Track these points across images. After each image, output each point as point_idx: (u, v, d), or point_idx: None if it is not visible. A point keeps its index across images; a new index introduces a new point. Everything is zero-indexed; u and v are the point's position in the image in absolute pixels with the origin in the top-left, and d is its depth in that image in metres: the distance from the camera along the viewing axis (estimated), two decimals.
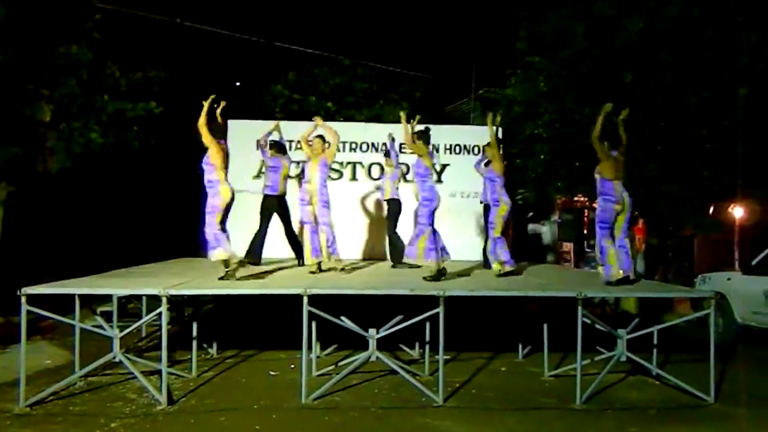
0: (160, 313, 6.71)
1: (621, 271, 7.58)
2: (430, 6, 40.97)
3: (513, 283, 8.20)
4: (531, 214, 18.57)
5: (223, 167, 7.53)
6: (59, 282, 7.29)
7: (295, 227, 10.08)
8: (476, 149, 11.75)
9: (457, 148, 11.73)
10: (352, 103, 18.14)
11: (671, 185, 12.57)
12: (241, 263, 8.15)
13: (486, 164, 9.51)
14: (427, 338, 7.78)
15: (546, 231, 20.80)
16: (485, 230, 9.39)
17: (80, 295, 7.26)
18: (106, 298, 9.35)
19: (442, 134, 11.93)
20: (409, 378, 7.20)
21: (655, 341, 7.90)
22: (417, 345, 8.66)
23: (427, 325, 7.56)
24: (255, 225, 9.68)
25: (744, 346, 9.87)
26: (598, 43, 12.87)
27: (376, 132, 12.16)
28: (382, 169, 11.39)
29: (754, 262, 10.30)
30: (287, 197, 9.99)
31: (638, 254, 15.78)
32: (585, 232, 18.41)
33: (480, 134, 12.33)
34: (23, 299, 6.43)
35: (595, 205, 13.96)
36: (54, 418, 6.23)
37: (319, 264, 8.68)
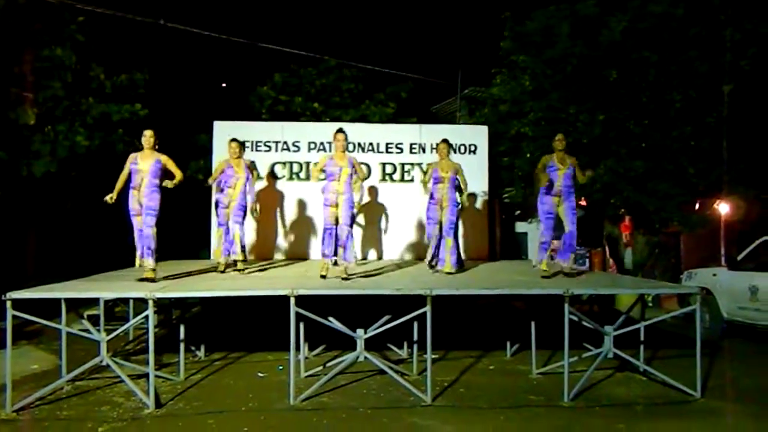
0: (147, 316, 6.68)
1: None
2: (415, 6, 41.11)
3: (500, 281, 8.23)
4: (518, 212, 18.63)
5: None
6: (45, 286, 7.26)
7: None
8: (462, 148, 11.78)
9: None
10: (338, 104, 18.11)
11: (657, 182, 12.66)
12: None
13: None
14: (415, 338, 7.80)
15: (533, 229, 20.87)
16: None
17: (66, 299, 7.22)
18: (93, 302, 9.32)
19: (428, 134, 11.98)
20: (398, 378, 7.21)
21: (641, 337, 7.95)
22: (405, 344, 8.67)
23: (415, 324, 7.58)
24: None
25: (730, 342, 9.94)
26: (583, 41, 12.95)
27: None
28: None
29: (739, 258, 10.36)
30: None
31: (625, 250, 15.88)
32: None
33: (467, 133, 12.44)
34: (8, 304, 6.39)
35: (582, 202, 14.10)
36: (41, 423, 6.19)
37: (234, 263, 8.86)
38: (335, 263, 8.08)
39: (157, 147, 7.79)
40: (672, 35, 12.40)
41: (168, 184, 7.70)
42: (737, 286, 9.92)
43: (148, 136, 7.74)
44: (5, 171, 11.65)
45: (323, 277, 8.00)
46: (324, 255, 8.10)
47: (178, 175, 7.80)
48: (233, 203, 8.66)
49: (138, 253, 7.76)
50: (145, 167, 7.62)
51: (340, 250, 7.98)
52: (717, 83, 12.33)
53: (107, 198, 7.61)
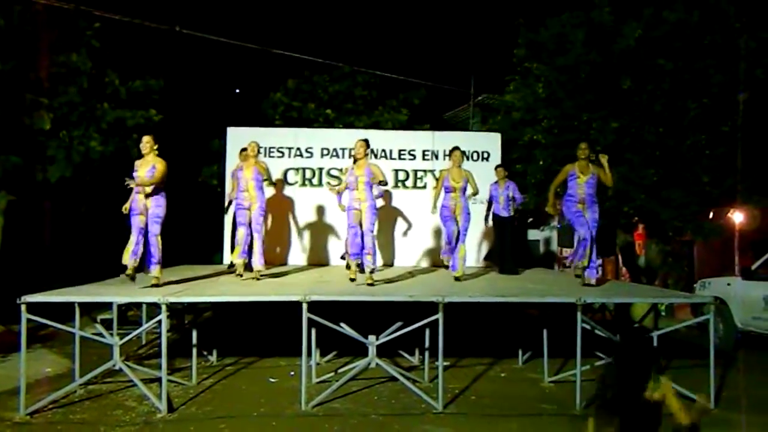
0: (159, 321, 6.72)
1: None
2: (429, 13, 41.18)
3: (513, 288, 8.21)
4: (530, 219, 18.56)
5: None
6: (59, 290, 7.31)
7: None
8: (475, 155, 11.78)
9: None
10: (351, 110, 18.14)
11: (671, 191, 12.58)
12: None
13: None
14: (427, 344, 7.78)
15: (546, 237, 20.82)
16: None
17: (80, 303, 7.26)
18: (106, 306, 9.37)
19: (441, 141, 12.00)
20: (409, 385, 7.20)
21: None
22: (417, 351, 8.65)
23: (427, 331, 7.57)
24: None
25: (744, 352, 9.84)
26: (597, 49, 12.92)
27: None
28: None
29: (753, 267, 10.28)
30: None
31: (638, 258, 15.81)
32: None
33: (480, 140, 12.43)
34: (23, 307, 6.44)
35: None
36: (54, 427, 6.23)
37: (249, 265, 8.77)
38: (360, 267, 8.08)
39: (157, 152, 7.62)
40: (686, 43, 12.35)
41: (131, 182, 7.41)
42: (751, 296, 9.84)
43: (144, 142, 7.62)
44: (21, 176, 11.74)
45: (352, 280, 8.04)
46: (352, 255, 8.11)
47: (152, 180, 7.44)
48: (254, 206, 8.60)
49: (130, 255, 7.40)
50: (141, 173, 7.46)
51: (367, 257, 7.98)
52: (732, 92, 12.24)
53: (124, 209, 7.51)
